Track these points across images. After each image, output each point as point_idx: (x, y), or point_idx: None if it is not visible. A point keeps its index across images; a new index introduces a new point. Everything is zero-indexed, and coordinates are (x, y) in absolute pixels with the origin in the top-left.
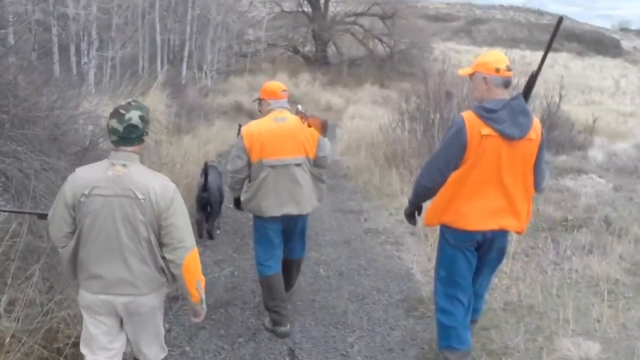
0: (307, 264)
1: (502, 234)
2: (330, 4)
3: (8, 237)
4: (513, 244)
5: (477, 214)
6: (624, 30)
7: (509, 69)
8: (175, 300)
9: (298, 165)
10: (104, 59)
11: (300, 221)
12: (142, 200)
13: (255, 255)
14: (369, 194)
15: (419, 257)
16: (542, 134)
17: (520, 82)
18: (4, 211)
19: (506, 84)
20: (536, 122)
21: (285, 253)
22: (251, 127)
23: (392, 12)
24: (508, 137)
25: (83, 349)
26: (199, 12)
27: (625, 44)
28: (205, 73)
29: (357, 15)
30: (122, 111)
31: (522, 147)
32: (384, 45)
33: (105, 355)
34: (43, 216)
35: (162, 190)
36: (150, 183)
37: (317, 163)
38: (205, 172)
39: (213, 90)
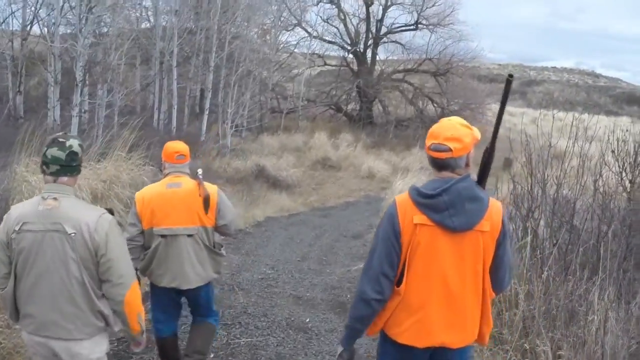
0: None
1: (453, 352)
2: (377, 59)
3: None
4: None
5: (411, 324)
6: None
7: (439, 148)
8: None
9: (190, 236)
10: (94, 107)
11: (197, 294)
12: (73, 235)
13: (152, 316)
14: None
15: None
16: (502, 223)
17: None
18: None
19: (437, 165)
20: (494, 208)
21: (192, 319)
22: (144, 192)
23: (446, 68)
24: (448, 229)
25: None
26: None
27: None
28: (227, 129)
29: (407, 71)
30: (61, 139)
31: (471, 240)
32: (435, 105)
33: None
34: None
35: (96, 224)
36: (82, 217)
37: (219, 231)
38: None
39: (233, 150)
